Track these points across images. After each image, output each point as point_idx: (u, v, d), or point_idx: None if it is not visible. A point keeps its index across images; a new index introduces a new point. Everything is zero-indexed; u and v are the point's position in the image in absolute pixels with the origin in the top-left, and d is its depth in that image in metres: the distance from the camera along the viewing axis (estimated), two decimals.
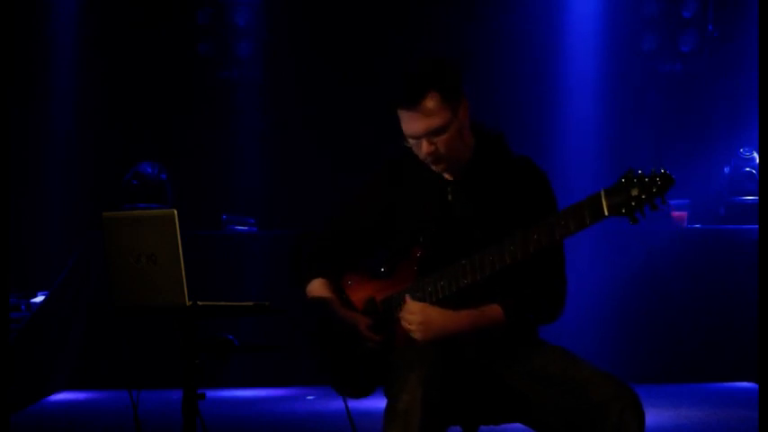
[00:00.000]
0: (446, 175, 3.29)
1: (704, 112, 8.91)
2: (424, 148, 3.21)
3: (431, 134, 3.18)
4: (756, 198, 7.76)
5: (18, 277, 7.40)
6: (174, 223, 3.54)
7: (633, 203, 2.94)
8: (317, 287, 3.41)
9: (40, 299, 7.37)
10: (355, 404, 3.47)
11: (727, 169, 8.30)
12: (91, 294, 7.21)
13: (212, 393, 4.38)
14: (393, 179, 3.38)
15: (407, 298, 3.22)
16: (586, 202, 3.00)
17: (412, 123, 3.19)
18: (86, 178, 8.71)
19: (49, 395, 7.01)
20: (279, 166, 8.91)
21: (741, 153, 8.22)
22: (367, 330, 3.27)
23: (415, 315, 3.18)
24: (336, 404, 6.19)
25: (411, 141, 3.24)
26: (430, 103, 3.16)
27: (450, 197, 3.29)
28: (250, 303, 3.78)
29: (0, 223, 4.86)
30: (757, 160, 8.05)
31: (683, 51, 8.78)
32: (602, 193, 2.98)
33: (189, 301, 3.58)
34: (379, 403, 3.10)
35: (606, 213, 2.97)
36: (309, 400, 6.82)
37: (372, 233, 3.40)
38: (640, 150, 8.80)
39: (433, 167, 3.26)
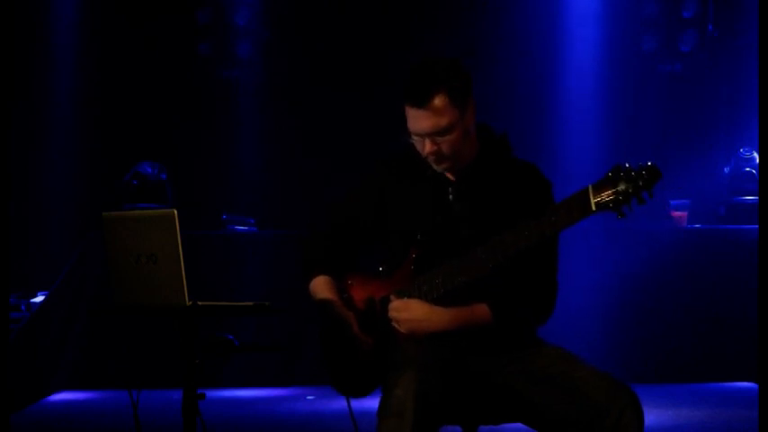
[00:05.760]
0: (448, 175, 3.30)
1: (704, 112, 8.91)
2: (426, 147, 3.22)
3: (436, 134, 3.19)
4: (756, 198, 7.76)
5: (18, 277, 7.40)
6: (174, 223, 3.54)
7: (620, 198, 2.95)
8: (319, 285, 3.41)
9: (40, 299, 7.37)
10: (355, 404, 3.48)
11: (727, 169, 8.30)
12: (91, 294, 7.21)
13: (212, 393, 4.38)
14: (385, 179, 3.38)
15: (392, 297, 3.24)
16: (574, 198, 3.02)
17: (418, 121, 3.19)
18: (86, 178, 8.71)
19: (49, 395, 7.01)
20: (279, 166, 8.91)
21: (741, 153, 8.22)
22: (359, 332, 3.28)
23: (400, 312, 3.21)
24: (336, 404, 6.21)
25: (414, 138, 3.24)
26: (438, 102, 3.16)
27: (451, 197, 3.29)
28: (250, 303, 3.78)
29: (0, 223, 4.86)
30: (757, 160, 8.05)
31: (683, 51, 8.77)
32: (590, 189, 2.99)
33: (189, 301, 3.58)
34: (378, 403, 3.11)
35: (594, 209, 2.98)
36: (309, 400, 6.82)
37: (369, 233, 3.41)
38: (640, 150, 8.79)
39: (434, 166, 3.26)
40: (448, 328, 3.19)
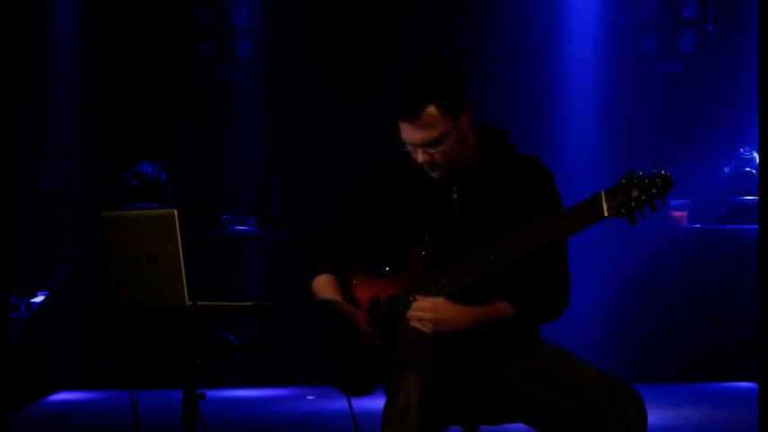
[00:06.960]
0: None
1: (704, 112, 8.92)
2: (419, 157, 3.23)
3: (427, 145, 3.19)
4: (756, 198, 7.76)
5: (18, 277, 7.40)
6: (174, 223, 3.54)
7: (633, 204, 2.97)
8: (322, 284, 3.41)
9: (40, 299, 7.37)
10: (355, 404, 3.48)
11: (727, 169, 8.30)
12: (91, 294, 7.21)
13: (212, 393, 4.38)
14: (386, 179, 3.38)
15: (417, 297, 3.22)
16: (586, 203, 3.02)
17: (409, 133, 3.21)
18: (86, 178, 8.71)
19: (49, 395, 7.01)
20: (279, 166, 8.91)
21: (741, 153, 8.22)
22: (367, 327, 3.28)
23: (426, 311, 3.19)
24: (336, 404, 6.21)
25: (408, 147, 3.25)
26: (429, 116, 3.16)
27: (455, 195, 3.29)
28: (250, 303, 3.78)
29: (0, 223, 4.85)
30: (757, 160, 8.05)
31: (683, 51, 8.77)
32: (603, 195, 3.00)
33: (189, 301, 3.57)
34: (379, 403, 3.11)
35: (606, 214, 2.99)
36: (309, 400, 6.82)
37: (369, 233, 3.41)
38: (640, 150, 8.80)
39: (430, 173, 3.27)
40: (471, 328, 3.20)
